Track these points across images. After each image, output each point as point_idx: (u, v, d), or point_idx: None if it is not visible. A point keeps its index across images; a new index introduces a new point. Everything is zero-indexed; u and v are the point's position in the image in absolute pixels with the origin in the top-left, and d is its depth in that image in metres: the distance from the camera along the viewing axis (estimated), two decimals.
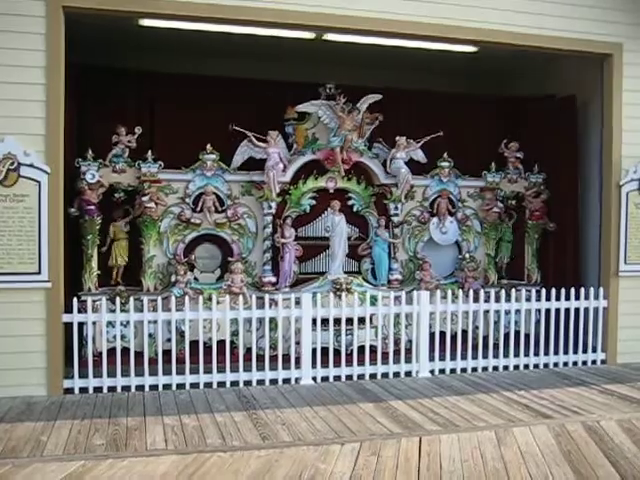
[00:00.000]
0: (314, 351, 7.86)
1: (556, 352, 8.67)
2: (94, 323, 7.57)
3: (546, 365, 8.60)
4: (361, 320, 8.24)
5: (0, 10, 6.78)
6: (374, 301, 8.41)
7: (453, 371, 8.30)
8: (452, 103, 10.04)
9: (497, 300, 8.66)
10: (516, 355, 8.54)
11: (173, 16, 7.50)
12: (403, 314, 8.33)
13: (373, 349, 8.17)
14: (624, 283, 8.88)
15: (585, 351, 8.78)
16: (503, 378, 8.08)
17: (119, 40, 8.63)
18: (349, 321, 8.12)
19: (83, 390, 7.25)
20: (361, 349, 8.11)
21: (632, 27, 8.73)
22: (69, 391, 7.21)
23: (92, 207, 8.32)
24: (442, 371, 8.26)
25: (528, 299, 8.69)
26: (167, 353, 7.58)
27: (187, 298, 7.77)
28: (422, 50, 8.87)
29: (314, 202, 9.30)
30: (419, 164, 9.63)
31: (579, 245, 10.00)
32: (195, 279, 8.80)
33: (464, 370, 8.34)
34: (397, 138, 9.35)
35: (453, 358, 8.32)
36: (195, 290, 8.48)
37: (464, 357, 8.38)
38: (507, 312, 8.78)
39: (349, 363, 7.98)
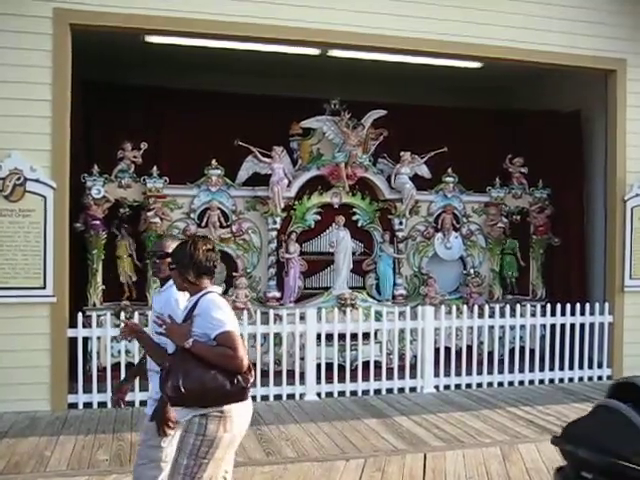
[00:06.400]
0: (318, 367, 7.84)
1: (561, 368, 8.64)
2: (98, 338, 7.58)
3: (551, 381, 8.56)
4: (366, 335, 8.23)
5: (8, 27, 6.87)
6: (379, 316, 8.40)
7: (458, 387, 8.27)
8: (456, 118, 10.08)
9: (502, 315, 8.63)
10: (521, 371, 8.51)
11: (179, 33, 7.59)
12: (408, 329, 8.32)
13: (378, 365, 8.15)
14: (629, 298, 8.86)
15: (590, 367, 8.75)
16: (508, 394, 8.05)
17: (125, 56, 8.70)
18: (354, 336, 8.12)
19: (87, 405, 7.24)
20: (366, 364, 8.09)
21: (635, 43, 8.78)
22: (73, 406, 7.20)
23: (97, 222, 8.34)
24: (447, 387, 8.23)
25: (533, 314, 8.68)
26: None
27: None
28: (427, 66, 8.91)
29: (319, 217, 9.32)
30: (424, 179, 9.65)
31: (584, 260, 9.99)
32: None
33: (469, 386, 8.32)
34: (401, 153, 9.39)
35: (458, 374, 8.30)
36: None
37: (469, 373, 8.36)
38: (512, 327, 8.73)
39: (354, 379, 7.96)
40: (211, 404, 3.33)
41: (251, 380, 3.38)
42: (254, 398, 7.56)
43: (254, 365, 7.72)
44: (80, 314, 7.36)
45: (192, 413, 3.36)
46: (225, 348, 3.30)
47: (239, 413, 3.40)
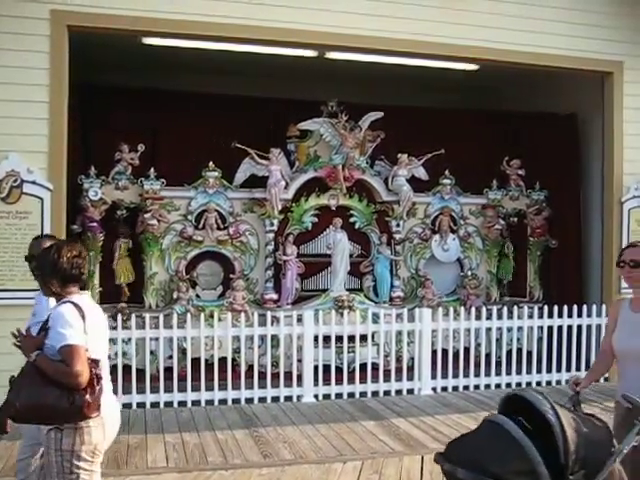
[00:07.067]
0: (316, 368, 7.84)
1: (558, 370, 8.63)
2: None
3: (548, 382, 8.56)
4: (363, 337, 8.22)
5: (5, 29, 6.85)
6: (376, 318, 8.39)
7: (455, 389, 8.28)
8: (454, 120, 10.06)
9: (499, 317, 8.64)
10: (518, 373, 8.51)
11: (176, 35, 7.58)
12: (405, 331, 8.32)
13: (375, 366, 8.15)
14: None
15: (588, 369, 8.73)
16: None
17: (123, 58, 8.68)
18: (351, 338, 8.11)
19: None
20: (363, 366, 8.09)
21: (632, 45, 8.79)
22: None
23: (94, 224, 8.34)
24: (444, 389, 8.24)
25: (530, 316, 8.68)
26: (169, 370, 7.56)
27: (189, 315, 7.77)
28: (423, 68, 8.92)
29: (316, 219, 9.32)
30: (421, 181, 9.65)
31: (581, 262, 9.99)
32: (197, 296, 8.79)
33: (466, 388, 8.32)
34: (399, 155, 9.39)
35: (455, 376, 8.30)
36: (197, 307, 8.47)
37: (466, 375, 8.36)
38: (509, 329, 8.74)
39: (351, 381, 7.96)
40: (49, 423, 3.21)
41: (88, 399, 3.13)
42: (251, 400, 7.58)
43: (251, 367, 7.77)
44: None
45: (47, 427, 3.24)
46: (62, 363, 3.14)
47: (96, 424, 3.24)
